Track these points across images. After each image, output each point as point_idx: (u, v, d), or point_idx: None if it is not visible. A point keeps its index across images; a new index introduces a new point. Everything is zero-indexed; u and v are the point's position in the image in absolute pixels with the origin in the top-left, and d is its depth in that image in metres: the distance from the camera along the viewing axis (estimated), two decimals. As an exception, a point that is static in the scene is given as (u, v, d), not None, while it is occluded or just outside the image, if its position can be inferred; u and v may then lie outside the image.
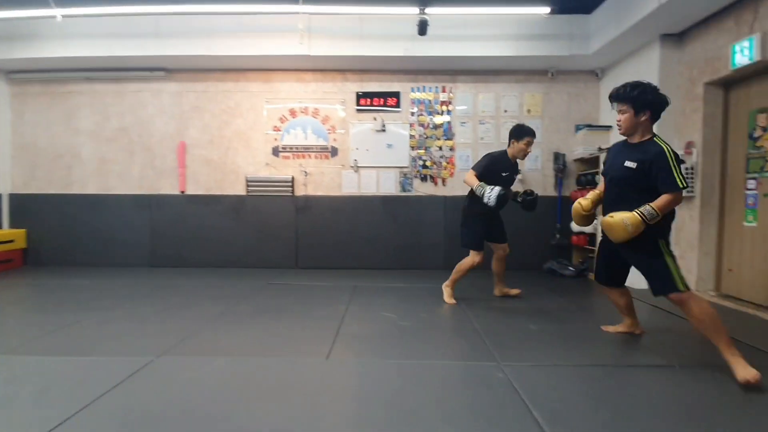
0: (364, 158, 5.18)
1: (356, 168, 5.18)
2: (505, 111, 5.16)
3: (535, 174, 5.17)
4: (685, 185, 2.03)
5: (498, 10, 4.15)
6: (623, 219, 2.11)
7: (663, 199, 2.06)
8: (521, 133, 3.26)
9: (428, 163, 5.20)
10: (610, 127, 4.82)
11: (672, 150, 2.09)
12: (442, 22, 4.40)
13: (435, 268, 5.11)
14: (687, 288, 2.05)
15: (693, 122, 3.82)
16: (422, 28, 4.07)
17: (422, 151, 5.19)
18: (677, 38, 3.98)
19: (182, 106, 5.19)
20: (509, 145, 3.35)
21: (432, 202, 5.16)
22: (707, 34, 3.66)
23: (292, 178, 5.15)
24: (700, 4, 3.39)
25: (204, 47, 4.61)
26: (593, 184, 4.62)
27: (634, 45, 4.26)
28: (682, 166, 2.11)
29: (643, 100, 2.13)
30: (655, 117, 2.17)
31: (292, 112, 5.16)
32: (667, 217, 2.15)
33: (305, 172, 5.16)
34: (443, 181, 5.19)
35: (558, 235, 5.04)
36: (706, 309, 2.02)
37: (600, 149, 4.57)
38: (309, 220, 5.17)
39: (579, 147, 4.90)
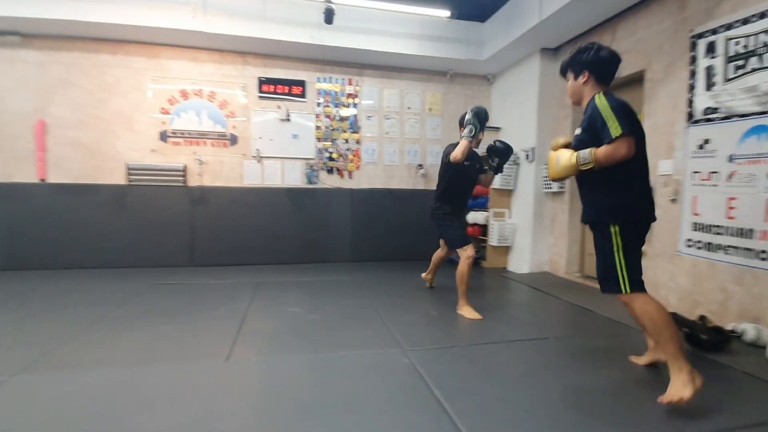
0: (268, 148, 4.95)
1: (259, 158, 4.92)
2: (409, 108, 5.36)
3: (435, 169, 5.45)
4: (620, 132, 1.68)
5: (402, 8, 4.26)
6: (558, 153, 1.93)
7: (603, 147, 1.74)
8: (463, 120, 3.09)
9: (334, 156, 5.16)
10: (499, 128, 5.32)
11: (612, 100, 1.77)
12: (349, 13, 4.37)
13: (342, 261, 5.13)
14: (632, 291, 1.77)
15: (564, 128, 4.40)
16: (328, 16, 4.00)
17: (328, 143, 5.13)
18: (553, 52, 4.53)
19: (43, 78, 4.35)
20: (461, 136, 3.08)
21: (339, 195, 5.15)
22: (576, 51, 4.23)
23: (185, 166, 4.69)
24: (570, 24, 3.91)
25: (71, 10, 3.91)
26: (486, 180, 5.05)
27: (519, 55, 4.75)
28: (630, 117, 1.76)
29: (578, 60, 1.94)
30: (598, 76, 1.91)
31: (184, 94, 4.68)
32: (620, 195, 1.80)
33: (200, 160, 4.74)
34: (350, 173, 5.21)
35: (456, 227, 5.42)
36: (648, 310, 1.75)
37: (491, 148, 5.01)
38: (206, 213, 4.77)
39: (474, 145, 5.31)
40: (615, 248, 1.79)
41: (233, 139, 4.85)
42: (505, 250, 5.01)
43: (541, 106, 4.54)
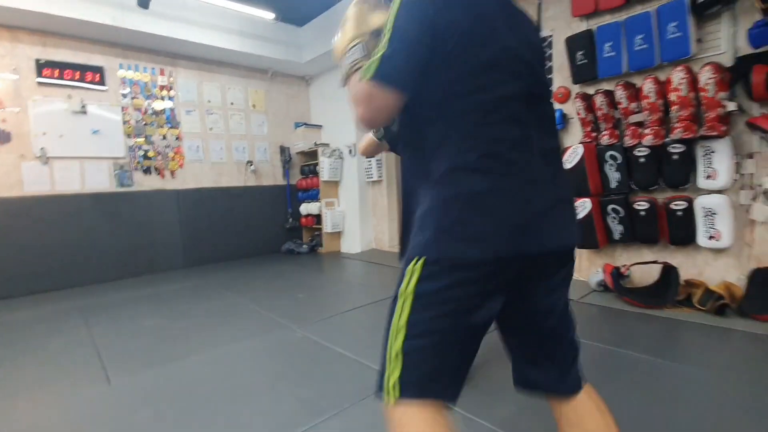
0: (58, 146, 4.05)
1: (45, 159, 3.99)
2: (232, 103, 5.28)
3: (265, 165, 5.59)
4: (369, 74, 0.77)
5: (228, 4, 4.20)
6: None
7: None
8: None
9: (150, 154, 4.65)
10: (321, 126, 5.85)
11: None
12: (160, -1, 4.02)
13: (174, 269, 4.74)
14: (399, 396, 0.79)
15: (377, 127, 5.27)
16: (144, 0, 3.61)
17: (141, 139, 4.58)
18: (363, 63, 5.32)
19: None
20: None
21: (162, 197, 4.68)
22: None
23: (-77, 173, 3.42)
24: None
25: None
26: (315, 174, 5.53)
27: (332, 63, 5.34)
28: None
29: None
30: None
31: None
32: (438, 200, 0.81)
33: (-51, 164, 3.53)
34: (172, 173, 4.79)
35: (290, 219, 5.72)
36: None
37: (316, 144, 5.51)
38: (-33, 234, 3.60)
39: (300, 141, 5.68)
40: (398, 311, 0.84)
41: (3, 137, 3.79)
42: (338, 235, 5.64)
43: (357, 108, 5.27)
